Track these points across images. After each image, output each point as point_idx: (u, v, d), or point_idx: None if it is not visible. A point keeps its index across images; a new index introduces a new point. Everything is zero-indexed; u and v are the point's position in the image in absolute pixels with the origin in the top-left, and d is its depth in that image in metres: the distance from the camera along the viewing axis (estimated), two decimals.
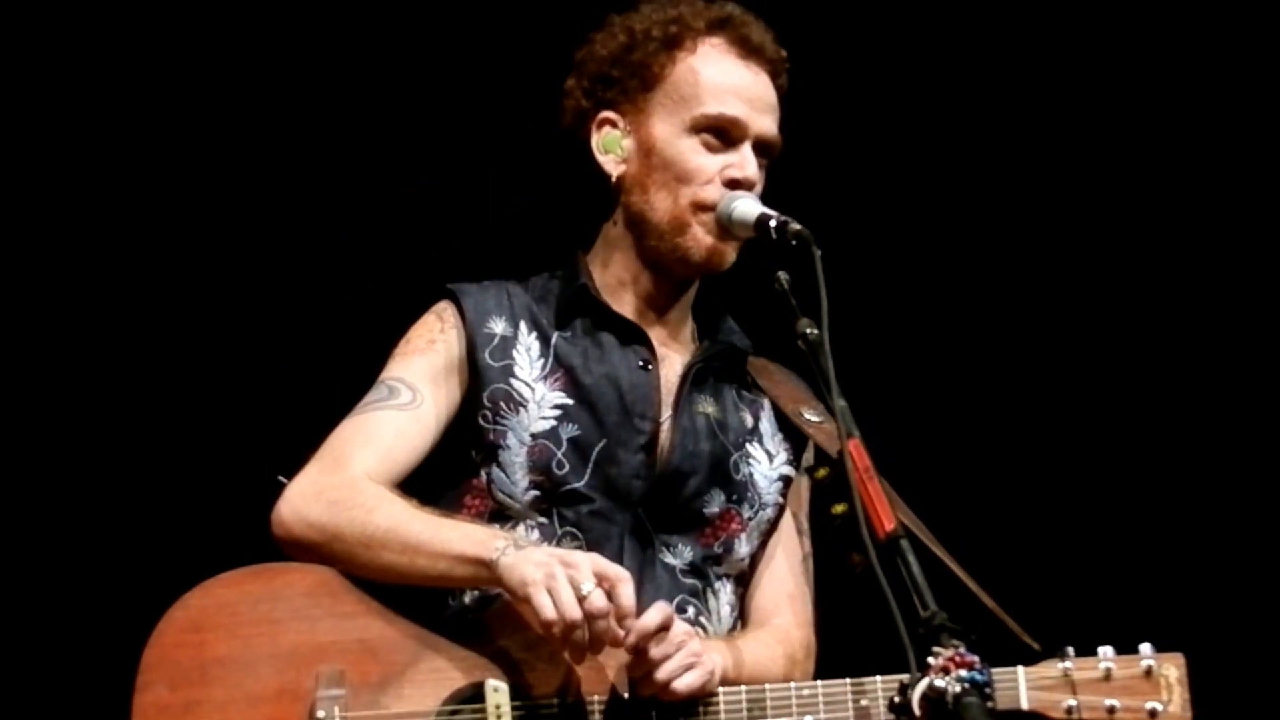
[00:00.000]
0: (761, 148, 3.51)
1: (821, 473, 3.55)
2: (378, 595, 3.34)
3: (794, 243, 3.28)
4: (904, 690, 2.81)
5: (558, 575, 3.14)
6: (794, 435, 3.60)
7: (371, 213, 4.81)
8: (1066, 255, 5.10)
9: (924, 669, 2.79)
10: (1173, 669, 3.29)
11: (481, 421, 3.45)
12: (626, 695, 3.26)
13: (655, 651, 3.20)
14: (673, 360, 3.55)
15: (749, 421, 3.58)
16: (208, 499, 4.64)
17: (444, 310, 3.55)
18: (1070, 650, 3.31)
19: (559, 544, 3.40)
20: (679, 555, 3.47)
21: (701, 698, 3.25)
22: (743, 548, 3.54)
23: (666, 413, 3.50)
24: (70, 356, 4.75)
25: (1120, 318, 5.10)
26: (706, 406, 3.53)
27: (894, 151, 5.02)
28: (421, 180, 4.82)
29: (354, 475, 3.36)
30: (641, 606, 3.29)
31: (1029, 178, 5.05)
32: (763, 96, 3.52)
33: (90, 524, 4.72)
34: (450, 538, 3.26)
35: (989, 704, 2.77)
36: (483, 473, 3.45)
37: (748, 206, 3.42)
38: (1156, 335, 5.09)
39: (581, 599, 3.13)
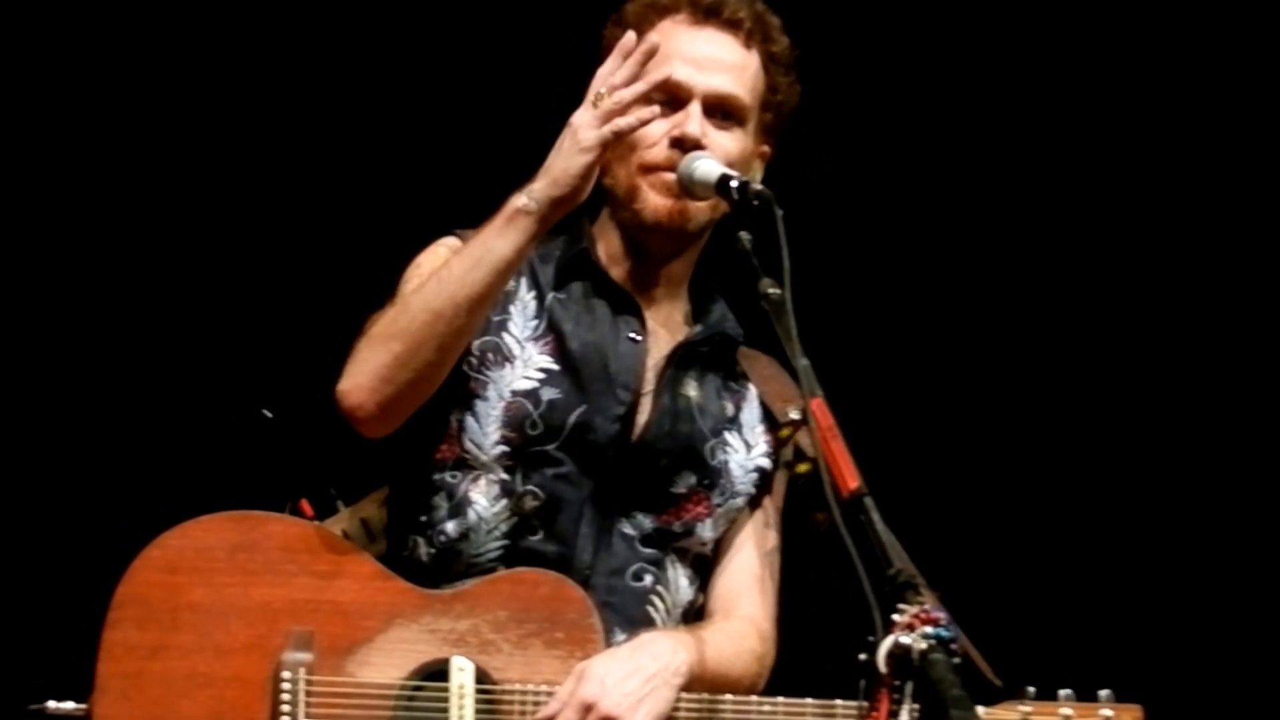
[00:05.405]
0: (718, 108, 3.53)
1: (803, 468, 3.57)
2: (353, 557, 3.36)
3: (755, 203, 3.30)
4: (871, 649, 2.79)
5: (576, 119, 3.27)
6: (776, 429, 3.61)
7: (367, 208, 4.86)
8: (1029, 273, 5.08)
9: (889, 626, 2.79)
10: None
11: (465, 368, 3.46)
12: None
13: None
14: (661, 337, 3.58)
15: (730, 410, 3.60)
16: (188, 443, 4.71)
17: (457, 247, 3.51)
18: (1031, 691, 3.33)
19: (519, 501, 3.44)
20: (638, 526, 3.50)
21: None
22: (706, 532, 3.57)
23: (649, 387, 3.53)
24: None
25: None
26: (689, 389, 3.56)
27: (885, 145, 5.03)
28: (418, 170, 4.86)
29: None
30: (596, 573, 3.42)
31: (1022, 174, 5.02)
32: (714, 56, 3.53)
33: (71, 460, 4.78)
34: (484, 233, 3.31)
35: (954, 660, 2.77)
36: (453, 419, 3.47)
37: (709, 167, 3.42)
38: (1122, 369, 5.08)
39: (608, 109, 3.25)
